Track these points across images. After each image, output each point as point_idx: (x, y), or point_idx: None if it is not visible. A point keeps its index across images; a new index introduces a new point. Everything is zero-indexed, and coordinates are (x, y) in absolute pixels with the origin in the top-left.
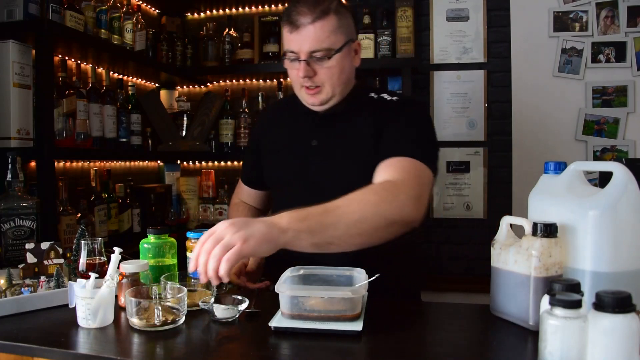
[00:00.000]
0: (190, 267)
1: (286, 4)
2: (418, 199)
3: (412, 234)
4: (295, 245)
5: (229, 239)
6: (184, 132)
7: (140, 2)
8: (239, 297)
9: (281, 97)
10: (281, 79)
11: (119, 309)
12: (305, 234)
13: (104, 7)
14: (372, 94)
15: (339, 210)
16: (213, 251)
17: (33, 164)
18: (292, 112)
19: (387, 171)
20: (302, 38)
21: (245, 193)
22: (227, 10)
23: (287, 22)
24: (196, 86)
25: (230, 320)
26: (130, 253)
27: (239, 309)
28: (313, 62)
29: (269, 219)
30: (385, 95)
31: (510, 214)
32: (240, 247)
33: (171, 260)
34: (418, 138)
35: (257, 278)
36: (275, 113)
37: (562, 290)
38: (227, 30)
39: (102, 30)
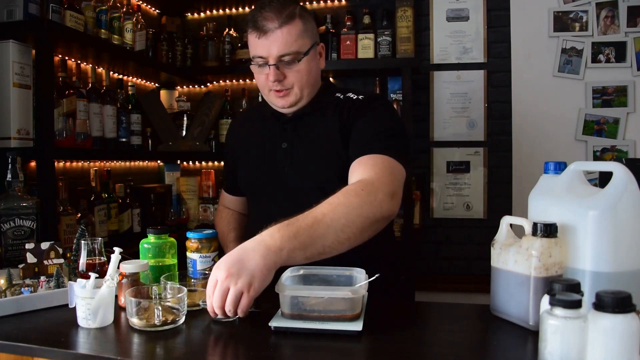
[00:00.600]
0: (212, 315)
1: None
2: (394, 195)
3: (410, 234)
4: (290, 263)
5: (235, 290)
6: (184, 132)
7: (140, 2)
8: None
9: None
10: None
11: (119, 309)
12: (298, 251)
13: (104, 7)
14: (338, 94)
15: (327, 218)
16: (226, 306)
17: (33, 164)
18: (260, 117)
19: (361, 170)
20: (270, 43)
21: (227, 200)
22: (227, 10)
23: (253, 28)
24: (196, 86)
25: (231, 320)
26: (130, 253)
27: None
28: (282, 66)
29: (262, 241)
30: (351, 95)
31: (510, 214)
32: (249, 294)
33: (171, 260)
34: (386, 134)
35: None
36: (244, 120)
37: (562, 290)
38: (227, 30)
39: (102, 30)
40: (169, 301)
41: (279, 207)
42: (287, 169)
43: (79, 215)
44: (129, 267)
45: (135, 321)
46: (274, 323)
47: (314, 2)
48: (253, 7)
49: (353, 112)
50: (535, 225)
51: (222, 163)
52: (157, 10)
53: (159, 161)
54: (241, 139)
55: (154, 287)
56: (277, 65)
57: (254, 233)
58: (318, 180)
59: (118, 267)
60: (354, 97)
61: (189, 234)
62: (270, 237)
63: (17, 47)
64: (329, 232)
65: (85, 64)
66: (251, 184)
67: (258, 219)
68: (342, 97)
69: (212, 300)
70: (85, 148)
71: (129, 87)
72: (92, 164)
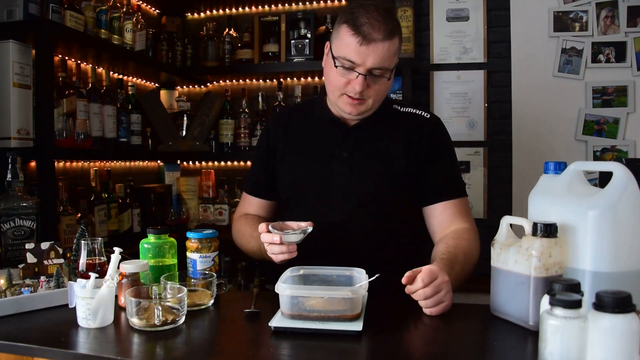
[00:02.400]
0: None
1: (286, 4)
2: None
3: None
4: None
5: (443, 296)
6: (184, 132)
7: (140, 2)
8: (302, 225)
9: (281, 97)
10: (281, 79)
11: (119, 309)
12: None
13: (104, 7)
14: (396, 106)
15: (464, 266)
16: (431, 298)
17: (33, 164)
18: (316, 120)
19: (462, 219)
20: (370, 52)
21: (251, 205)
22: (227, 10)
23: (356, 32)
24: (196, 86)
25: (299, 242)
26: (130, 253)
27: (306, 232)
28: (369, 77)
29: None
30: (411, 109)
31: (510, 214)
32: (445, 306)
33: (171, 260)
34: (459, 175)
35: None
36: (292, 119)
37: (562, 290)
38: (227, 30)
39: (102, 30)
40: (169, 301)
41: (327, 212)
42: (345, 177)
43: (79, 215)
44: (129, 267)
45: (135, 321)
46: (274, 323)
47: (314, 2)
48: (253, 7)
49: (427, 137)
50: (535, 225)
51: (223, 163)
52: (157, 10)
53: (159, 161)
54: (288, 138)
55: (154, 287)
56: (365, 75)
57: None
58: (374, 191)
59: (118, 267)
60: (418, 113)
61: (189, 234)
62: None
63: (17, 47)
64: (461, 274)
65: (85, 64)
66: (296, 187)
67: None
68: (400, 109)
69: (425, 291)
70: (85, 148)
71: (129, 87)
72: (92, 164)
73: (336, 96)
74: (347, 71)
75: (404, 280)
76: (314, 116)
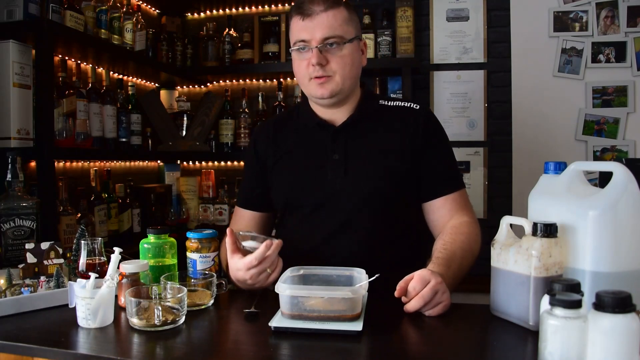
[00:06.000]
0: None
1: (286, 4)
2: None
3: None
4: None
5: (440, 297)
6: (184, 132)
7: (140, 2)
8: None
9: (281, 97)
10: (281, 79)
11: (119, 309)
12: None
13: (104, 7)
14: (382, 101)
15: (462, 261)
16: (429, 303)
17: (33, 164)
18: (302, 126)
19: (461, 212)
20: (315, 25)
21: (245, 219)
22: (227, 10)
23: (297, 12)
24: (196, 86)
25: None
26: (130, 253)
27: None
28: (325, 51)
29: (442, 277)
30: (399, 103)
31: (510, 214)
32: (444, 306)
33: (171, 260)
34: (456, 165)
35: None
36: (277, 128)
37: (562, 290)
38: (227, 30)
39: (102, 30)
40: (169, 301)
41: (324, 218)
42: (340, 181)
43: (79, 215)
44: (129, 267)
45: (135, 321)
46: (274, 323)
47: None
48: (253, 7)
49: (421, 129)
50: (535, 225)
51: (223, 163)
52: (157, 10)
53: (159, 161)
54: (276, 148)
55: (154, 287)
56: (320, 49)
57: (293, 245)
58: (372, 191)
59: (118, 267)
60: (408, 106)
61: (189, 234)
62: (442, 277)
63: (17, 47)
64: (459, 271)
65: (85, 64)
66: (290, 194)
67: (298, 231)
68: (388, 103)
69: (423, 293)
70: (85, 148)
71: (129, 87)
72: (92, 164)
73: (306, 84)
74: (304, 53)
75: (397, 294)
76: (300, 122)
